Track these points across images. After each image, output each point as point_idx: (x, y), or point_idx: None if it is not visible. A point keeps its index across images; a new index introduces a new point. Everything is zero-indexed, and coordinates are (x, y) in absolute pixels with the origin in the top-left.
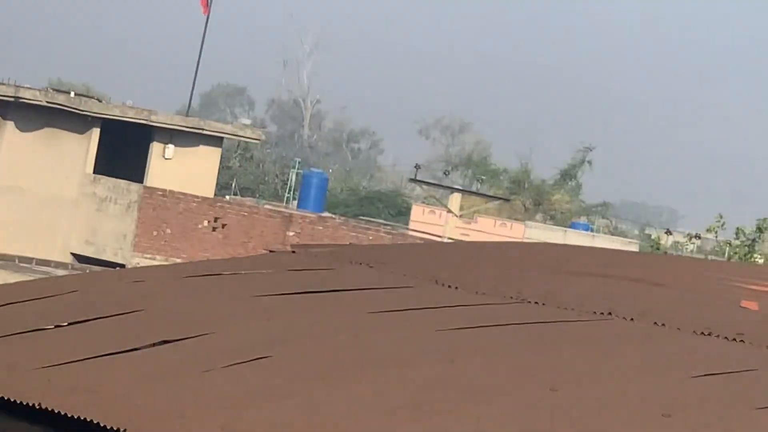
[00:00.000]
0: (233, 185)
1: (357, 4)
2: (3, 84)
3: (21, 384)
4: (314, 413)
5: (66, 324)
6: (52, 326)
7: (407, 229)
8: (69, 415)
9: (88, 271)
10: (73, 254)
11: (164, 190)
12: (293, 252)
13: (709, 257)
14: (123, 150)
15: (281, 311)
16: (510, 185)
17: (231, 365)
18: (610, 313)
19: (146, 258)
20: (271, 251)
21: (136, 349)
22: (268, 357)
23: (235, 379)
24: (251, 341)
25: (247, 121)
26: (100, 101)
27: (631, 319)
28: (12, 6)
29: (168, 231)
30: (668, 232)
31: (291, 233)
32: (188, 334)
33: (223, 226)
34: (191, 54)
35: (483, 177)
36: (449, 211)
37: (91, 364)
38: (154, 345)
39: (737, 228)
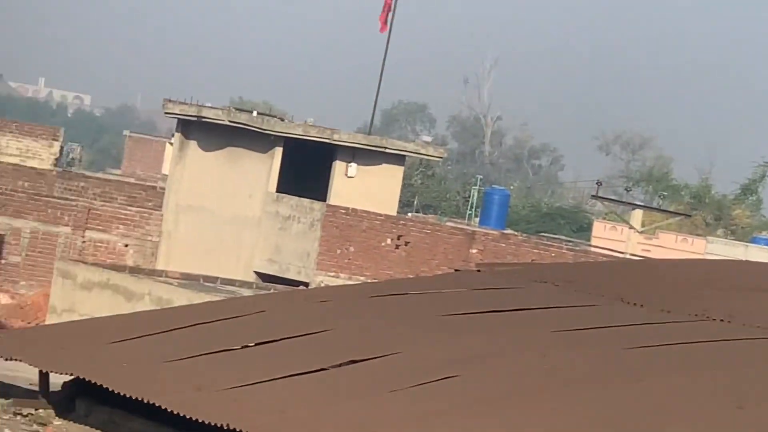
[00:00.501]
0: (415, 202)
1: (536, 21)
2: (186, 104)
3: (208, 404)
4: None
5: (253, 344)
6: (239, 347)
7: (589, 245)
8: None
9: (272, 290)
10: (257, 273)
11: (347, 209)
12: (478, 271)
13: None
14: (305, 168)
15: (468, 330)
16: (690, 200)
17: (418, 385)
18: None
19: (329, 276)
20: (456, 270)
21: (323, 369)
22: (455, 376)
23: (422, 399)
24: (438, 360)
25: (429, 139)
26: (282, 120)
27: None
28: (194, 28)
29: (351, 249)
30: None
31: (474, 250)
32: (375, 353)
33: (407, 243)
34: (371, 72)
35: (664, 193)
36: (631, 227)
37: (279, 384)
38: (341, 365)
39: None
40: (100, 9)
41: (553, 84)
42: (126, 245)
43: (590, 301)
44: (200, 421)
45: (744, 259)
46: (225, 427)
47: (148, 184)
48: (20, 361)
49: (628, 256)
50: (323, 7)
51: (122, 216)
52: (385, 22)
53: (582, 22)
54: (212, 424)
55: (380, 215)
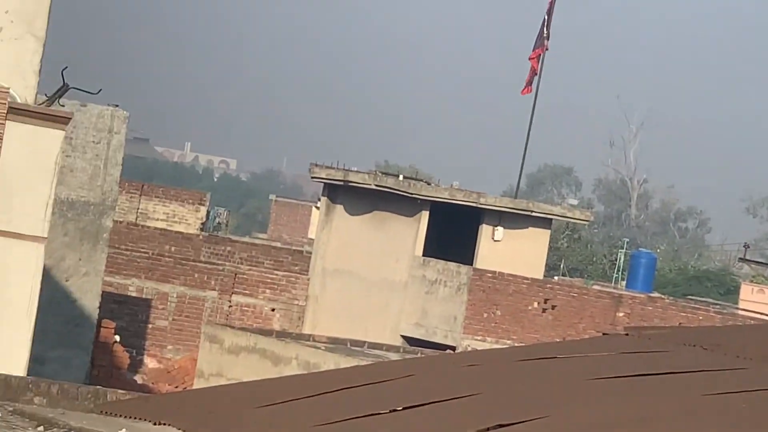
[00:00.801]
0: (562, 266)
1: (682, 83)
2: (332, 168)
3: None
4: None
5: (401, 408)
6: (388, 411)
7: (737, 308)
8: None
9: (419, 354)
10: (404, 337)
11: (494, 272)
12: (626, 334)
13: None
14: (451, 232)
15: (616, 394)
16: None
17: None
18: None
19: (476, 340)
20: (604, 334)
21: None
22: None
23: None
24: (586, 424)
25: (575, 202)
26: (428, 184)
27: None
28: (340, 93)
29: (498, 313)
30: None
31: (621, 314)
32: (523, 417)
33: (553, 307)
34: (517, 135)
35: None
36: None
37: None
38: (488, 429)
39: None
40: (246, 75)
41: (700, 146)
42: (273, 309)
43: (740, 365)
44: None
45: None
46: None
47: (294, 248)
48: (168, 425)
49: None
50: (467, 71)
51: (269, 280)
52: (530, 84)
53: (727, 84)
54: None
55: (527, 279)
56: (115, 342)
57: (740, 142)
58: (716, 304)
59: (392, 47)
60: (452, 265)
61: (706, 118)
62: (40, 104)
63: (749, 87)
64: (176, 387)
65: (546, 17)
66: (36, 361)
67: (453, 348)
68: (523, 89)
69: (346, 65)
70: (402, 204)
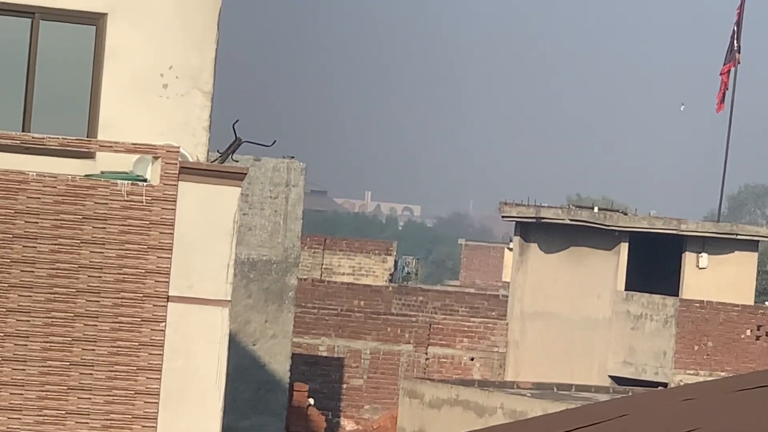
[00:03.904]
0: None
1: None
2: (523, 206)
3: None
4: None
5: None
6: None
7: None
8: None
9: (630, 393)
10: (611, 377)
11: (702, 302)
12: None
13: None
14: (652, 262)
15: None
16: None
17: None
18: None
19: (688, 374)
20: None
21: None
22: None
23: None
24: None
25: None
26: (625, 214)
27: None
28: (524, 129)
29: (709, 344)
30: None
31: None
32: None
33: (767, 333)
34: (713, 156)
35: None
36: None
37: None
38: None
39: None
40: (424, 118)
41: None
42: (472, 358)
43: None
44: None
45: None
46: None
47: (489, 292)
48: None
49: None
50: (656, 94)
51: (465, 328)
52: (722, 101)
53: None
54: None
55: (737, 306)
56: (310, 405)
57: None
58: None
59: (575, 77)
60: (657, 297)
61: None
62: (213, 161)
63: None
64: None
65: (735, 29)
66: (228, 431)
67: (665, 385)
68: (717, 106)
69: (525, 102)
70: (599, 237)
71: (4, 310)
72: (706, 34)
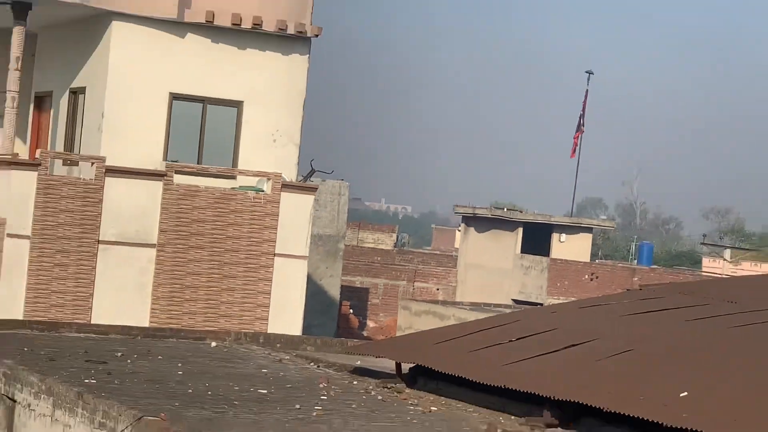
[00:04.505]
0: None
1: None
2: (467, 206)
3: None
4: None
5: (515, 339)
6: (507, 341)
7: (704, 272)
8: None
9: (522, 308)
10: (513, 300)
11: (562, 260)
12: (639, 289)
13: None
14: (536, 238)
15: (638, 325)
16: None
17: (612, 356)
18: None
19: (554, 298)
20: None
21: (556, 351)
22: (630, 351)
23: (616, 365)
24: (620, 342)
25: None
26: (521, 212)
27: None
28: (470, 146)
29: (566, 282)
30: None
31: None
32: (582, 340)
33: (597, 278)
34: (570, 175)
35: (742, 239)
36: (724, 259)
37: (538, 360)
38: (566, 348)
39: None
40: (413, 143)
41: None
42: (438, 289)
43: (706, 302)
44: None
45: None
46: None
47: (447, 254)
48: (383, 357)
49: (723, 276)
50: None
51: (435, 273)
52: (574, 151)
53: None
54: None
55: (579, 262)
56: (350, 313)
57: None
58: None
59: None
60: (537, 257)
61: None
62: (299, 182)
63: None
64: (386, 337)
65: (582, 113)
66: (306, 327)
67: (541, 304)
68: (571, 153)
69: (472, 121)
70: (507, 225)
71: (185, 260)
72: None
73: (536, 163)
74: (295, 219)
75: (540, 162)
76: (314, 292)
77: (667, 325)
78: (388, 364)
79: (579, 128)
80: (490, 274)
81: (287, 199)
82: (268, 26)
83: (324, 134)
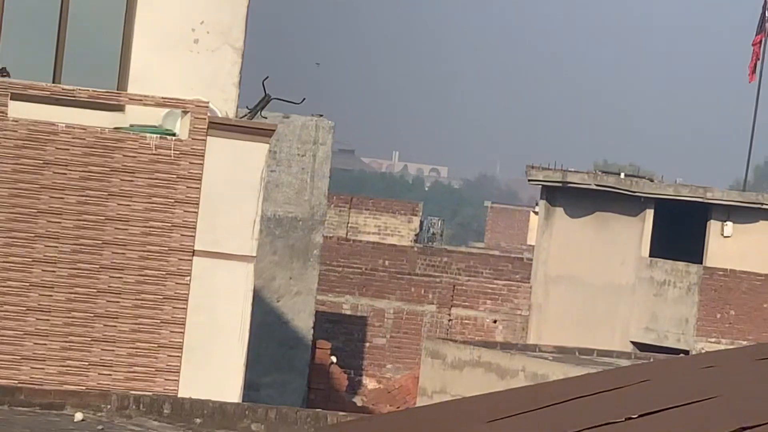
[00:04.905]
0: None
1: None
2: (550, 170)
3: None
4: None
5: (636, 416)
6: (623, 419)
7: None
8: None
9: (651, 360)
10: (633, 343)
11: (725, 270)
12: None
13: None
14: (677, 230)
15: None
16: None
17: None
18: None
19: (710, 342)
20: None
21: None
22: None
23: None
24: None
25: None
26: (651, 181)
27: None
28: (550, 93)
29: (732, 312)
30: None
31: None
32: (766, 419)
33: None
34: (741, 125)
35: None
36: None
37: None
38: None
39: None
40: (452, 80)
41: None
42: (494, 321)
43: None
44: None
45: None
46: None
47: (513, 255)
48: None
49: None
50: (686, 61)
51: (489, 290)
52: (753, 72)
53: None
54: None
55: (760, 275)
56: (332, 363)
57: None
58: None
59: (606, 42)
60: (681, 264)
61: None
62: (242, 117)
63: None
64: (397, 407)
65: (766, 1)
66: (250, 387)
67: (686, 352)
68: (749, 76)
69: (556, 64)
70: (625, 203)
71: (30, 260)
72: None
73: (669, 99)
74: (234, 187)
75: (676, 95)
76: (268, 324)
77: None
78: None
79: (762, 28)
80: (593, 294)
81: (218, 149)
82: None
83: (297, 42)
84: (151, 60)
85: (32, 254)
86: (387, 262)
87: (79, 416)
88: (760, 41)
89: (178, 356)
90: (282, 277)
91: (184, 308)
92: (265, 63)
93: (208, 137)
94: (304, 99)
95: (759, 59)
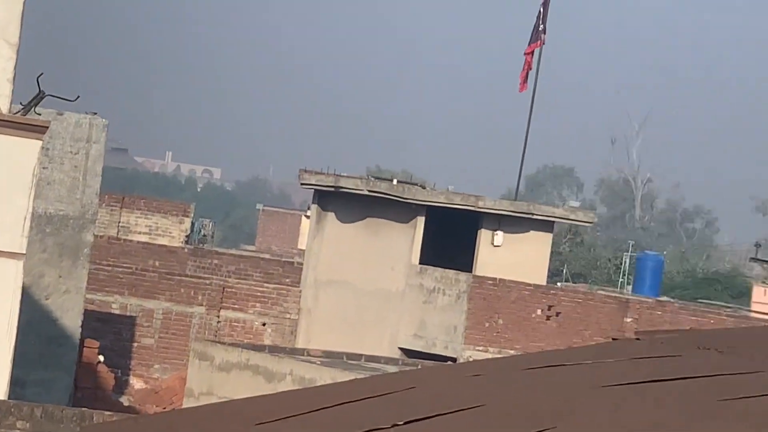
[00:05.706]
0: (564, 271)
1: (684, 77)
2: (322, 174)
3: None
4: None
5: (402, 423)
6: (389, 425)
7: (749, 311)
8: None
9: (419, 366)
10: (402, 349)
11: (494, 279)
12: (637, 339)
13: None
14: (448, 238)
15: (629, 401)
16: None
17: None
18: None
19: (478, 350)
20: (614, 339)
21: None
22: None
23: None
24: None
25: (576, 203)
26: (423, 188)
27: None
28: (326, 97)
29: (500, 321)
30: None
31: (628, 319)
32: (530, 428)
33: (558, 314)
34: (514, 136)
35: None
36: None
37: None
38: None
39: None
40: (226, 82)
41: (705, 143)
42: (264, 324)
43: (757, 368)
44: None
45: None
46: None
47: (284, 259)
48: None
49: None
50: (461, 71)
51: (259, 293)
52: (525, 81)
53: (734, 74)
54: None
55: (529, 285)
56: (99, 362)
57: (748, 137)
58: (728, 307)
59: (381, 48)
60: (450, 272)
61: (711, 113)
62: (15, 113)
63: (758, 75)
64: (164, 408)
65: (541, 10)
66: (16, 384)
67: (454, 359)
68: (520, 86)
69: (331, 68)
70: (396, 210)
71: None
72: (511, 11)
73: (442, 107)
74: (5, 183)
75: (449, 104)
76: (36, 321)
77: (682, 410)
78: None
79: (536, 37)
80: (363, 299)
81: None
82: None
83: (72, 40)
84: None
85: None
86: (157, 263)
87: None
88: (532, 51)
89: None
90: (51, 275)
91: None
92: (41, 61)
93: None
94: (78, 96)
95: (530, 69)
